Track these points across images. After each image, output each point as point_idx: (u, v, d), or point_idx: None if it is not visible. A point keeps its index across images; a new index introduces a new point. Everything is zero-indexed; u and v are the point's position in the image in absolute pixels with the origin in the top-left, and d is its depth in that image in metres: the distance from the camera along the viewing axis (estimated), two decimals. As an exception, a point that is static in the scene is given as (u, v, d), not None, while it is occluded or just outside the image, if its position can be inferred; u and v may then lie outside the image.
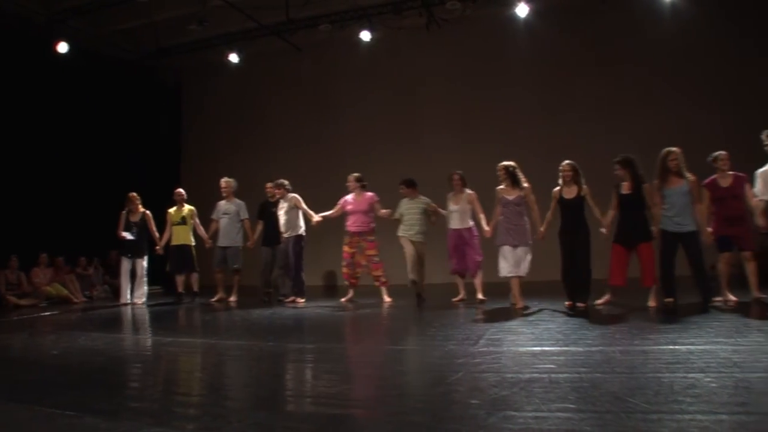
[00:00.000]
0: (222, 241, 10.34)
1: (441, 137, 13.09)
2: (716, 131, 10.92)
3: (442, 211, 8.98)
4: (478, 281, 8.68)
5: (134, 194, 10.53)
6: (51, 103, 12.34)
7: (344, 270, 9.38)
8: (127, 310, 9.52)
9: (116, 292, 12.03)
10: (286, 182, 9.78)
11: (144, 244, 10.43)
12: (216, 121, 15.14)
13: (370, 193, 9.31)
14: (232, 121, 14.97)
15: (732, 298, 7.09)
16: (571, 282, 7.43)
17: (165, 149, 15.19)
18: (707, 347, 4.42)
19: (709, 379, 3.46)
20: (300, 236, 9.65)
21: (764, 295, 6.97)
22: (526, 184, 7.88)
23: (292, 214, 9.57)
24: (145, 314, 9.07)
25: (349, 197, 9.33)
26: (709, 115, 11.23)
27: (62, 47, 12.06)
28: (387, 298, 9.16)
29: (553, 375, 3.78)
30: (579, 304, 7.23)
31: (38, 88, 12.11)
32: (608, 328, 5.67)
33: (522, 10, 11.47)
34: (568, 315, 6.70)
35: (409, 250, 8.87)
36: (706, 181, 7.27)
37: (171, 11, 12.33)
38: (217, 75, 14.53)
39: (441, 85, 13.28)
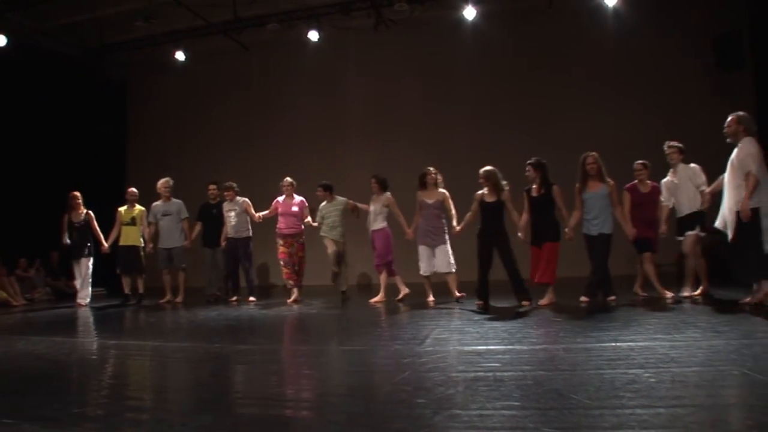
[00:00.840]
0: (166, 242, 10.22)
1: (388, 137, 13.14)
2: (659, 133, 11.22)
3: (362, 205, 9.31)
4: (382, 279, 9.11)
5: (76, 193, 10.26)
6: (-12, 99, 11.91)
7: (285, 271, 9.56)
8: (70, 313, 9.28)
9: (58, 294, 11.84)
10: (234, 185, 9.96)
11: (89, 244, 10.16)
12: (162, 119, 14.88)
13: (300, 197, 9.66)
14: (178, 120, 14.73)
15: (668, 294, 7.47)
16: (484, 279, 7.73)
17: (109, 147, 14.80)
18: (647, 344, 4.54)
19: (648, 375, 3.56)
20: (249, 238, 9.97)
21: (646, 294, 7.79)
22: (443, 190, 8.42)
23: (243, 217, 9.81)
24: (89, 316, 8.86)
25: (280, 199, 9.60)
26: (652, 117, 11.55)
27: (0, 40, 11.64)
28: (297, 297, 9.47)
29: (497, 373, 3.83)
30: (524, 303, 7.49)
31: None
32: (552, 326, 5.78)
33: (470, 13, 11.57)
34: (514, 314, 6.80)
35: (332, 249, 9.38)
36: (629, 185, 7.84)
37: (116, 7, 12.03)
38: (163, 73, 14.26)
39: (388, 86, 13.32)
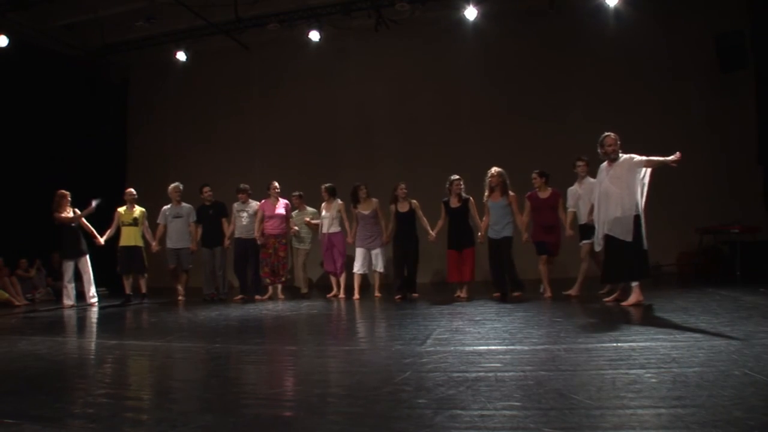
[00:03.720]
0: (176, 243, 10.41)
1: (388, 138, 13.13)
2: (661, 133, 11.27)
3: (315, 222, 10.48)
4: (342, 279, 10.02)
5: (64, 192, 10.10)
6: (-10, 99, 11.87)
7: (264, 269, 10.06)
8: (71, 313, 9.29)
9: (59, 295, 11.80)
10: (248, 187, 10.36)
11: (82, 243, 10.10)
12: (163, 120, 14.86)
13: (284, 200, 10.29)
14: (178, 119, 14.71)
15: (549, 294, 8.44)
16: (402, 277, 9.15)
17: (110, 148, 14.78)
18: (648, 344, 4.54)
19: (649, 375, 3.56)
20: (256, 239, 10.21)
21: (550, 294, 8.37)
22: (375, 199, 9.60)
23: (253, 219, 10.15)
24: (89, 316, 8.86)
25: (265, 202, 10.13)
26: (654, 116, 11.55)
27: (1, 41, 11.60)
28: (281, 296, 10.14)
29: (499, 373, 3.83)
30: (414, 295, 9.14)
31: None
32: (553, 326, 5.77)
33: (471, 14, 11.54)
34: (515, 315, 6.79)
35: (298, 256, 10.82)
36: (529, 193, 8.72)
37: (117, 7, 12.05)
38: (164, 73, 14.24)
39: (389, 86, 13.30)
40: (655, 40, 11.62)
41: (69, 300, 10.01)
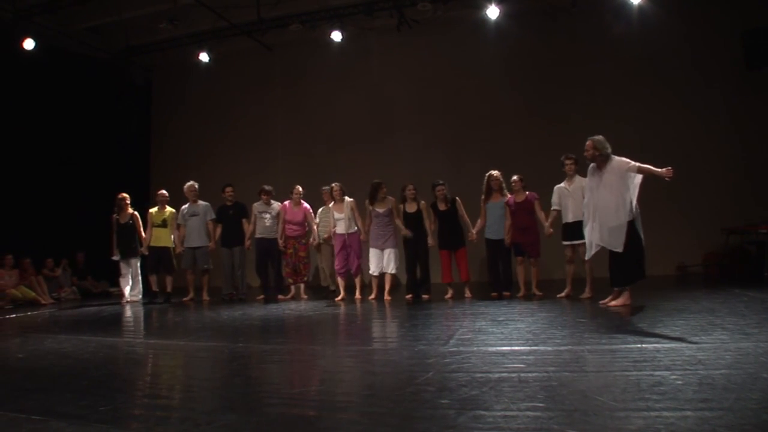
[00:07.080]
0: (193, 242, 10.46)
1: (411, 138, 13.12)
2: (686, 131, 11.15)
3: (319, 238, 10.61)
4: (357, 281, 9.97)
5: (124, 195, 10.61)
6: (16, 101, 12.01)
7: (286, 270, 10.21)
8: (96, 311, 9.40)
9: (84, 294, 12.12)
10: (271, 188, 10.44)
11: (135, 244, 10.51)
12: (186, 121, 14.97)
13: (306, 205, 10.44)
14: (201, 120, 14.81)
15: (522, 294, 8.81)
16: (413, 277, 9.32)
17: (134, 148, 14.96)
18: (673, 345, 4.49)
19: (674, 377, 3.51)
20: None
21: (541, 293, 8.68)
22: (392, 198, 9.52)
23: (276, 219, 10.28)
24: (115, 315, 8.96)
25: (287, 204, 10.28)
26: (679, 115, 11.43)
27: (28, 44, 11.78)
28: (303, 295, 10.29)
29: (522, 374, 3.81)
30: (424, 296, 9.11)
31: (3, 86, 11.79)
32: (577, 327, 5.72)
33: (493, 12, 11.48)
34: (538, 315, 6.75)
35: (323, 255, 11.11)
36: (507, 199, 8.92)
37: (140, 9, 12.18)
38: (187, 74, 14.37)
39: (412, 86, 13.29)
40: (679, 38, 11.48)
41: (123, 297, 10.58)
